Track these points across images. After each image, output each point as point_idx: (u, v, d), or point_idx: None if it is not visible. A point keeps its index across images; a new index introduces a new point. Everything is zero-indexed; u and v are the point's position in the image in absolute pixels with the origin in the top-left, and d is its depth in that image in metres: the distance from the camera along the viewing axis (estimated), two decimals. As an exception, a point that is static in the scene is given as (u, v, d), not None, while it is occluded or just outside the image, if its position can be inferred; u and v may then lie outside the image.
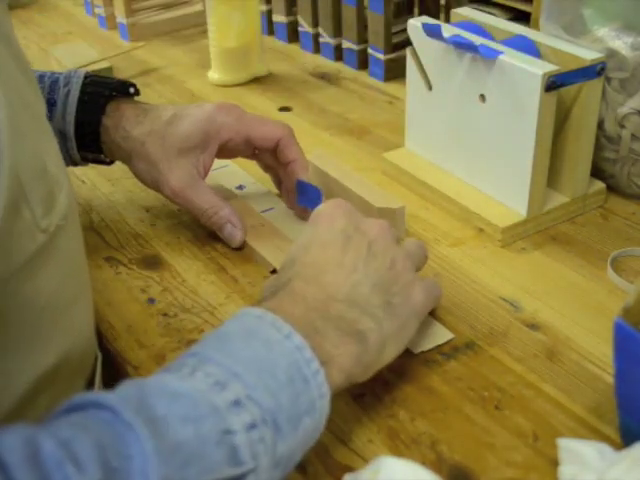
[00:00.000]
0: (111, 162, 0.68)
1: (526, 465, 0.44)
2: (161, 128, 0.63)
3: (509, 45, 0.64)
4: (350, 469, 0.44)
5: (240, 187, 0.72)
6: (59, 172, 0.43)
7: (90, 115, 0.63)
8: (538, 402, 0.48)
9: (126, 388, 0.36)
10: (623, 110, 0.65)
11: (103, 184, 0.75)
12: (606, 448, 0.41)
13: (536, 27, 0.72)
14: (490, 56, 0.61)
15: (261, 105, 0.91)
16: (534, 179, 0.63)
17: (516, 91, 0.61)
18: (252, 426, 0.36)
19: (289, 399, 0.38)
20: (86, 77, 0.64)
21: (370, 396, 0.49)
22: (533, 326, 0.55)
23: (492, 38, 0.67)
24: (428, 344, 0.53)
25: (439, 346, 0.53)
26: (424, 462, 0.44)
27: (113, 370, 0.55)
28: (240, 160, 0.70)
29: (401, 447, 0.45)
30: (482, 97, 0.64)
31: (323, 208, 0.51)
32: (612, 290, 0.58)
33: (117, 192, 0.74)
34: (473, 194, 0.68)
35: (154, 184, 0.64)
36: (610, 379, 0.49)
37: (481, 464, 0.44)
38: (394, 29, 0.94)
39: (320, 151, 0.73)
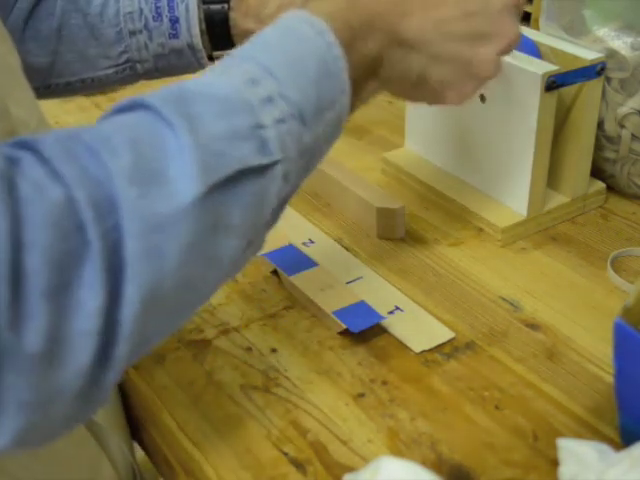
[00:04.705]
0: None
1: (526, 465, 0.44)
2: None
3: (509, 45, 0.63)
4: (350, 469, 0.44)
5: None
6: (26, 114, 0.45)
7: (216, 15, 0.63)
8: (538, 402, 0.48)
9: (168, 89, 0.38)
10: (623, 110, 0.65)
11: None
12: (606, 448, 0.41)
13: (536, 27, 0.72)
14: (490, 56, 0.61)
15: (261, 105, 0.91)
16: (534, 179, 0.63)
17: (516, 91, 0.61)
18: (281, 120, 0.38)
19: (316, 94, 0.40)
20: None
21: (370, 396, 0.49)
22: (533, 326, 0.55)
23: (492, 38, 0.67)
24: (428, 343, 0.53)
25: (439, 346, 0.53)
26: (424, 462, 0.44)
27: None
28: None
29: (401, 447, 0.45)
30: (482, 97, 0.64)
31: None
32: (612, 290, 0.58)
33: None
34: (473, 194, 0.68)
35: None
36: (610, 379, 0.49)
37: (481, 464, 0.44)
38: (394, 29, 0.93)
39: (320, 151, 0.72)
